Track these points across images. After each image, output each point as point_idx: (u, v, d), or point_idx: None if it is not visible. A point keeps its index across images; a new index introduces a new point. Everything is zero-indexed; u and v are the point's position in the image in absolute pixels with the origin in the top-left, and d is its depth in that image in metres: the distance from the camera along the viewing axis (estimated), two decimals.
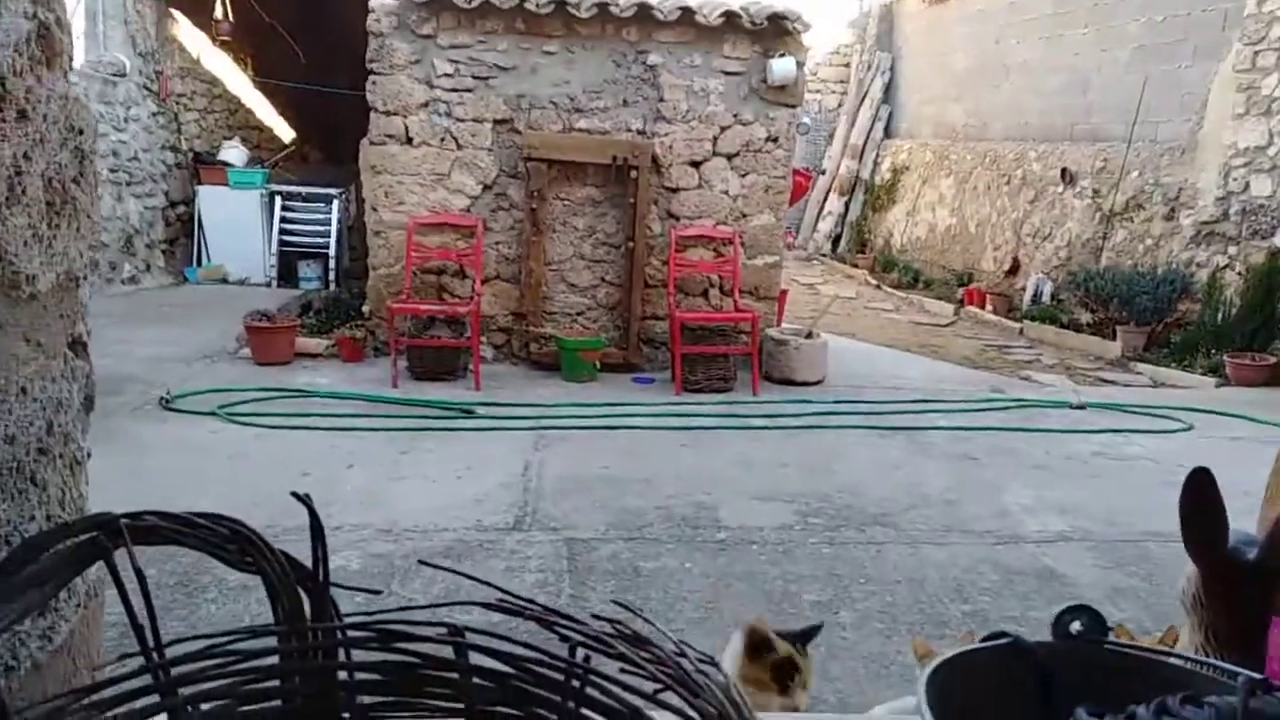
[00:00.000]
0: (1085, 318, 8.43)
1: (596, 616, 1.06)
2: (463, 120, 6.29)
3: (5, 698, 0.77)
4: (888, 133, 13.50)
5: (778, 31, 6.29)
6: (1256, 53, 7.50)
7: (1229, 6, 7.90)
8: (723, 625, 2.70)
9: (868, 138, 13.40)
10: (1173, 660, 0.76)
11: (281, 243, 9.01)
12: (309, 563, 0.97)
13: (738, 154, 6.44)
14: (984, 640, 0.79)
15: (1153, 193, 8.44)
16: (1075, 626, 0.80)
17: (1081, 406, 5.95)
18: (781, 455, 4.68)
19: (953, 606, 3.07)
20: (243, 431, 4.66)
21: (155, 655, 0.87)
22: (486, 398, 5.64)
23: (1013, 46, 10.91)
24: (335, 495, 3.81)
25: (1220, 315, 7.34)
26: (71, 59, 0.76)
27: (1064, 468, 4.73)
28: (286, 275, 9.04)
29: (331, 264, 9.09)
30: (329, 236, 9.09)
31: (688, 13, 6.20)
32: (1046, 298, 9.21)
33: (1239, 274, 7.47)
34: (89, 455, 0.89)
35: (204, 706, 0.90)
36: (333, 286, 8.82)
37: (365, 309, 6.60)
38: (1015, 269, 10.02)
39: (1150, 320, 7.73)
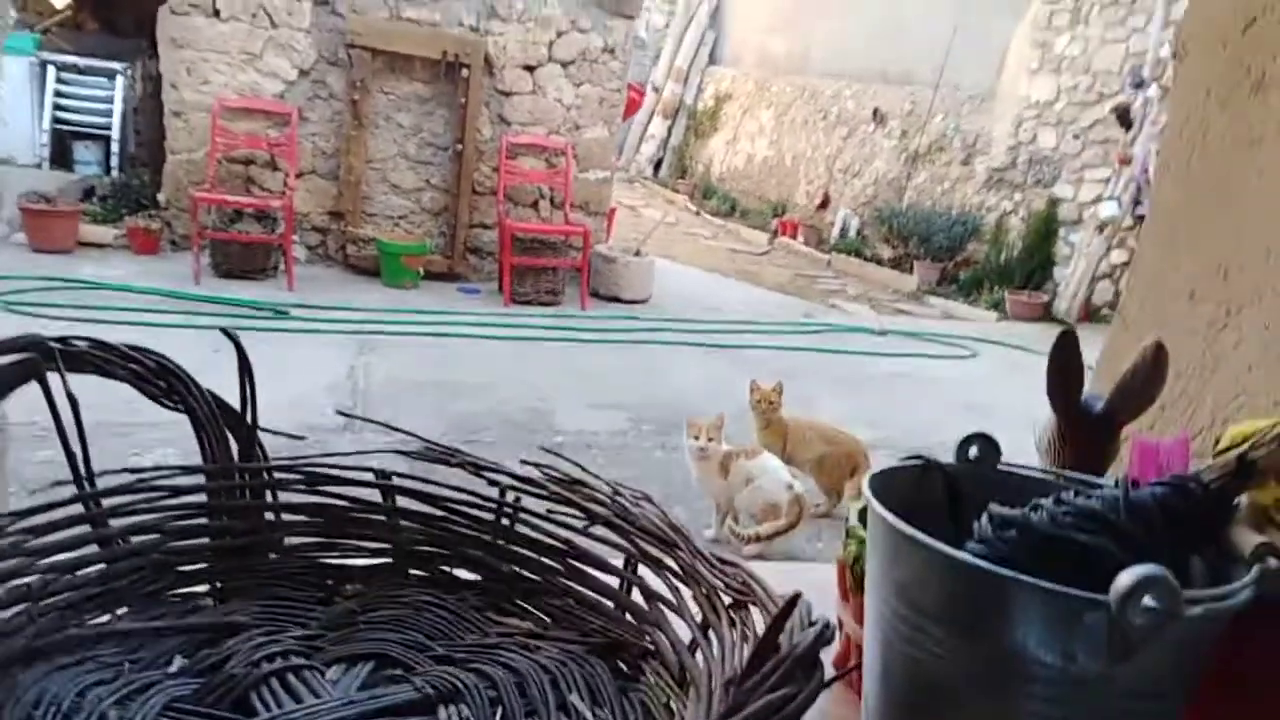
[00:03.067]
0: (887, 252, 9.00)
1: (525, 462, 1.06)
2: None
3: None
4: (712, 59, 13.65)
5: None
6: (1053, 12, 8.12)
7: None
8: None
9: (692, 62, 13.50)
10: (1056, 479, 0.87)
11: (55, 119, 8.02)
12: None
13: (574, 62, 6.31)
14: (902, 459, 0.88)
15: (954, 138, 9.05)
16: (973, 451, 0.89)
17: (883, 333, 6.40)
18: (613, 367, 4.75)
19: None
20: (25, 322, 4.18)
21: (87, 485, 0.79)
22: (301, 299, 5.34)
23: None
24: None
25: (1004, 256, 8.05)
26: None
27: (869, 386, 5.09)
28: (59, 158, 8.07)
29: (114, 148, 8.19)
30: (111, 117, 8.17)
31: None
32: (853, 232, 9.74)
33: (1022, 219, 8.20)
34: None
35: (135, 539, 0.83)
36: (115, 173, 7.97)
37: (161, 197, 6.04)
38: (826, 203, 10.51)
39: (944, 258, 8.36)
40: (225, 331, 0.98)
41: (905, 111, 9.67)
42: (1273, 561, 0.69)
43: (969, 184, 8.79)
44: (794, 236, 10.02)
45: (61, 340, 0.83)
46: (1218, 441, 0.91)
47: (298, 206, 5.90)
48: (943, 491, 0.87)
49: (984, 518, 0.75)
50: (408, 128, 6.17)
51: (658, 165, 13.53)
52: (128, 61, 8.22)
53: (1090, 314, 7.41)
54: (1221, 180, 1.19)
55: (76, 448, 0.81)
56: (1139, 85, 6.96)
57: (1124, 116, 7.06)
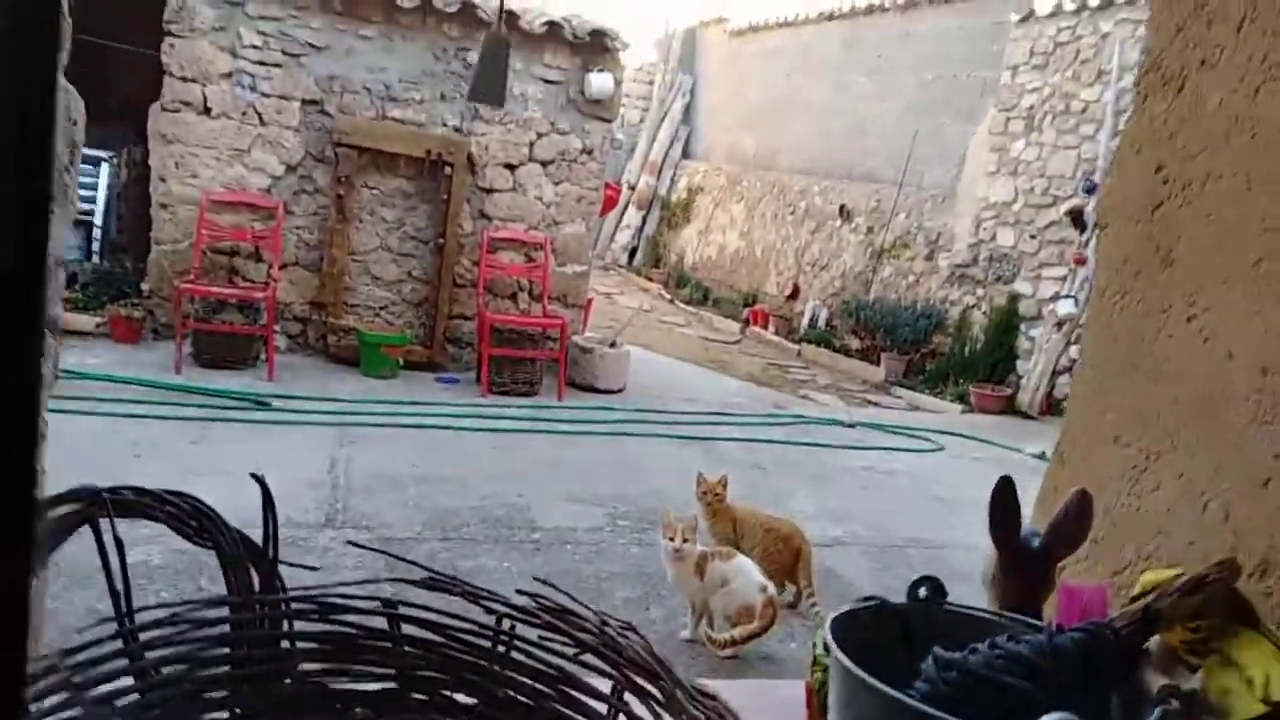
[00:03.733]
0: (855, 344, 9.23)
1: (520, 591, 1.15)
2: (269, 96, 6.00)
3: None
4: (686, 153, 14.10)
5: (598, 47, 6.47)
6: (1008, 119, 8.55)
7: (988, 75, 8.95)
8: None
9: (666, 156, 13.93)
10: (998, 620, 0.98)
11: None
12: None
13: (553, 162, 6.56)
14: (858, 601, 0.99)
15: (917, 234, 9.39)
16: (922, 592, 1.00)
17: (852, 425, 6.54)
18: (589, 459, 4.84)
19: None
20: None
21: (129, 621, 0.88)
22: (281, 389, 5.40)
23: (803, 86, 11.75)
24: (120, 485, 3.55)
25: (967, 349, 8.29)
26: (68, 47, 0.76)
27: (839, 479, 5.20)
28: None
29: (96, 234, 8.29)
30: (95, 204, 8.29)
31: (511, 16, 6.25)
32: (822, 323, 9.98)
33: (984, 313, 8.47)
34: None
35: (165, 670, 0.92)
36: (96, 259, 8.06)
37: (144, 287, 6.12)
38: (795, 294, 10.78)
39: (910, 350, 8.58)
40: (254, 476, 1.08)
41: (870, 208, 10.03)
42: (1174, 703, 0.80)
43: (933, 278, 9.09)
44: (765, 326, 10.24)
45: (111, 490, 0.93)
46: (1145, 571, 1.03)
47: (280, 297, 6.00)
48: (897, 629, 0.98)
49: (929, 659, 0.86)
50: (391, 222, 6.35)
51: (632, 254, 13.83)
52: (113, 150, 8.39)
53: (1052, 407, 7.62)
54: (1138, 339, 1.33)
55: (120, 586, 0.90)
56: (1091, 190, 7.31)
57: (1078, 219, 7.40)
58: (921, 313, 8.69)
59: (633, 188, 13.69)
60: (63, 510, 0.86)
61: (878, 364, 8.65)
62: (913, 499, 4.85)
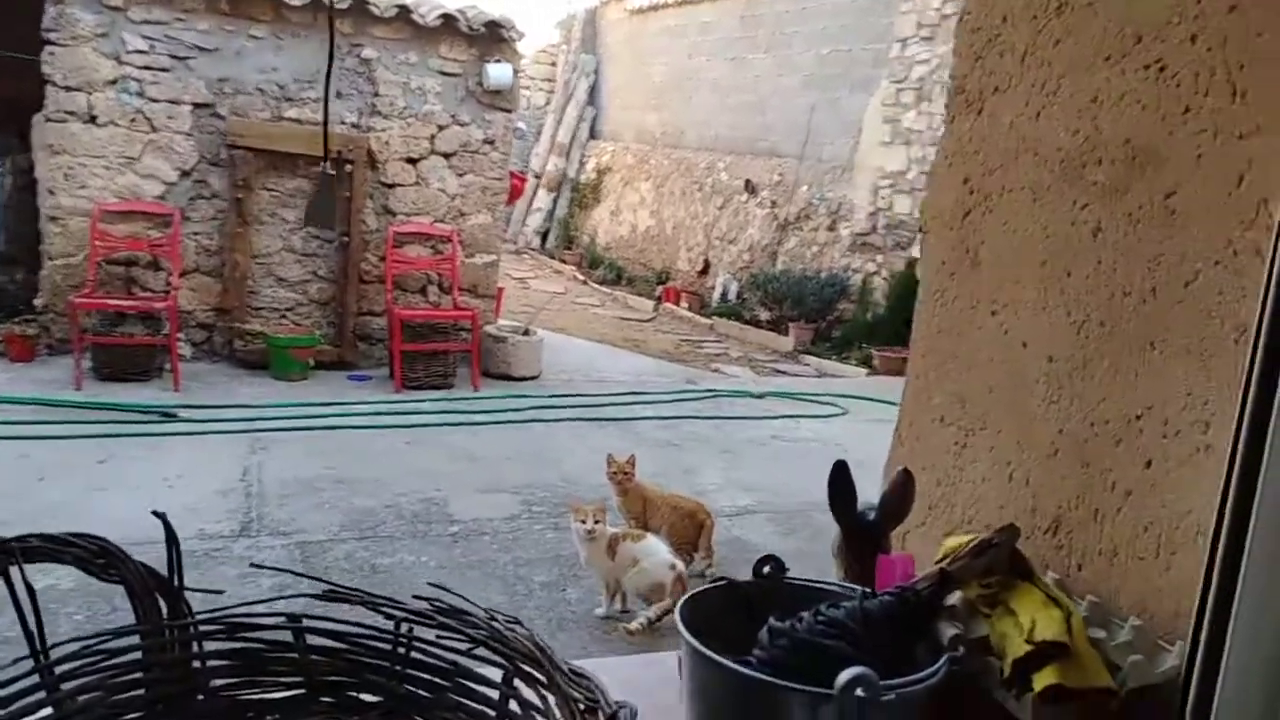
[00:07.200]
0: (764, 315, 9.47)
1: (416, 596, 1.27)
2: (157, 101, 5.86)
3: None
4: (593, 134, 14.14)
5: (494, 38, 6.49)
6: (899, 90, 8.83)
7: (880, 48, 9.22)
8: None
9: (574, 137, 13.95)
10: (830, 587, 1.13)
11: None
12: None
13: (455, 154, 6.56)
14: (711, 583, 1.12)
15: (819, 206, 9.66)
16: (766, 569, 1.14)
17: (761, 396, 6.76)
18: (504, 449, 4.93)
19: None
20: None
21: (43, 657, 0.97)
22: (189, 399, 5.34)
23: (704, 63, 11.90)
24: (28, 510, 3.51)
25: (870, 314, 8.60)
26: None
27: (747, 450, 5.40)
28: None
29: None
30: None
31: (404, 11, 6.22)
32: (733, 296, 10.20)
33: (884, 279, 8.78)
34: None
35: (81, 698, 1.00)
36: None
37: (38, 302, 5.95)
38: (706, 269, 10.98)
39: (816, 318, 8.86)
40: (157, 513, 1.16)
41: (774, 182, 10.26)
42: (960, 649, 0.95)
43: (835, 248, 9.37)
44: (677, 302, 10.42)
45: (19, 539, 1.01)
46: (967, 532, 1.19)
47: (182, 304, 5.91)
48: (743, 605, 1.11)
49: (764, 629, 0.99)
50: (292, 222, 6.28)
51: (545, 236, 13.84)
52: None
53: None
54: (955, 331, 1.50)
55: (33, 626, 0.98)
56: None
57: None
58: (826, 282, 8.96)
59: (538, 175, 13.68)
60: None
61: (787, 334, 8.90)
62: (816, 464, 5.04)
